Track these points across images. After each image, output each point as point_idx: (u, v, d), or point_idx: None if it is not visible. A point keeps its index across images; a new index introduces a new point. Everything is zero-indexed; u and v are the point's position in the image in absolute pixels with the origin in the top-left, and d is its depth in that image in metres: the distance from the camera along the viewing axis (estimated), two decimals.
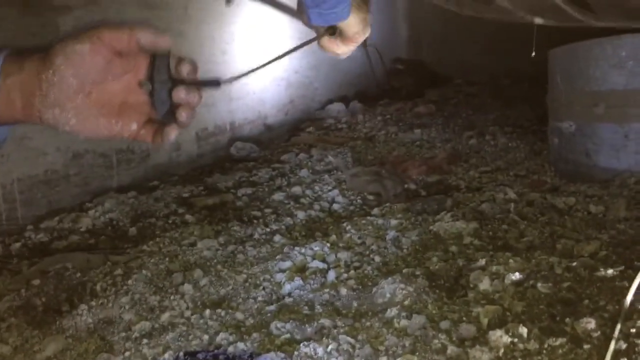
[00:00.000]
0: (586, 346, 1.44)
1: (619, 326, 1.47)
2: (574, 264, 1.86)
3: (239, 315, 1.82)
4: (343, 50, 0.94)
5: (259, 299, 1.92)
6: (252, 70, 0.83)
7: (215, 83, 0.77)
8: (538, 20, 1.55)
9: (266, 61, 0.86)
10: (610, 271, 1.79)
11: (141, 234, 2.54)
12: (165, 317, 1.82)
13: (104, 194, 2.90)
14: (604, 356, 1.38)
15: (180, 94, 0.72)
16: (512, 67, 5.15)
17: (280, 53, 0.90)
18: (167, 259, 2.21)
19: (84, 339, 1.72)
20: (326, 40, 0.92)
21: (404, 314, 1.66)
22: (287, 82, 4.49)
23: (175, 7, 3.23)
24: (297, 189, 2.98)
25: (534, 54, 1.91)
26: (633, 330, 1.46)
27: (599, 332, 1.48)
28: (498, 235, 2.22)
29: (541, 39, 2.22)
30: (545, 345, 1.46)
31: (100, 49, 0.69)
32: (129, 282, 2.01)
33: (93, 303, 1.87)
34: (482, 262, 1.94)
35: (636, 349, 1.39)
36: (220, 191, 3.05)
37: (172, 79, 0.73)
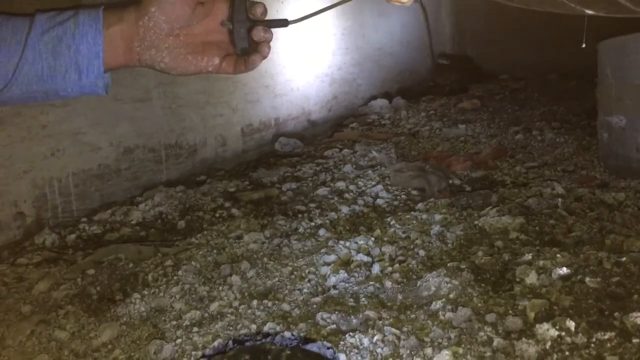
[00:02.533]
0: (635, 340, 1.42)
1: None
2: (624, 259, 1.83)
3: (286, 306, 1.85)
4: None
5: (305, 290, 1.95)
6: (316, 13, 0.91)
7: (284, 23, 0.88)
8: (589, 12, 1.53)
9: (327, 6, 0.95)
10: None
11: (189, 227, 2.61)
12: (214, 306, 1.88)
13: (154, 188, 2.98)
14: None
15: (260, 32, 0.85)
16: (560, 62, 5.05)
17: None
18: (214, 251, 2.27)
19: (137, 326, 1.78)
20: None
21: (449, 306, 1.67)
22: (331, 78, 4.51)
23: None
24: (341, 184, 3.00)
25: (584, 45, 1.88)
26: None
27: None
28: (545, 230, 2.19)
29: (590, 32, 2.18)
30: (594, 339, 1.44)
31: (187, 0, 0.83)
32: (179, 272, 2.07)
33: (145, 292, 1.94)
34: (529, 256, 1.93)
35: None
36: (265, 186, 3.10)
37: (249, 18, 0.86)
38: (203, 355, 1.61)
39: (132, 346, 1.71)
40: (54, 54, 0.81)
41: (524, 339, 1.48)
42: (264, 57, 0.86)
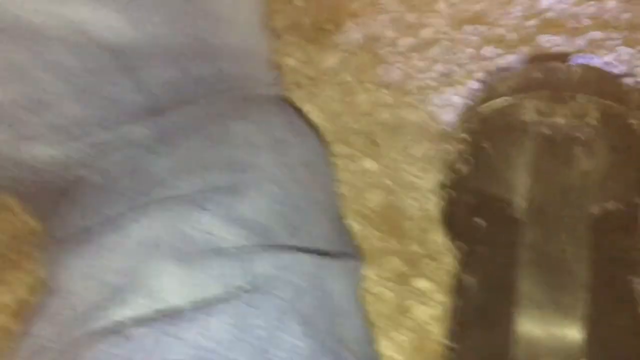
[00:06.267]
0: None
1: None
2: None
3: (499, 30, 1.85)
4: None
5: (517, 14, 1.91)
6: None
7: None
8: None
9: None
10: None
11: None
12: (425, 32, 1.91)
13: None
14: None
15: None
16: None
17: None
18: None
19: (357, 53, 1.88)
20: None
21: None
22: None
23: None
24: None
25: None
26: None
27: None
28: None
29: None
30: None
31: None
32: (382, 0, 2.09)
33: (357, 21, 2.00)
34: None
35: None
36: None
37: None
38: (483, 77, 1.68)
39: (356, 70, 1.83)
40: None
41: None
42: None
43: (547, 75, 0.95)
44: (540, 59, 1.45)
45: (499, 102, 0.92)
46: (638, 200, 0.86)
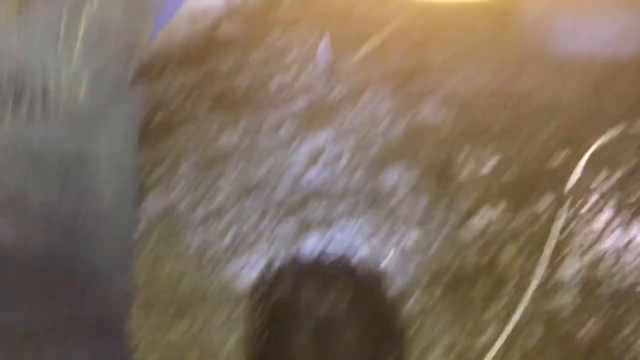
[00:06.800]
0: None
1: None
2: None
3: (277, 196, 2.25)
4: None
5: (289, 183, 2.34)
6: None
7: None
8: None
9: None
10: None
11: None
12: (218, 201, 2.24)
13: None
14: None
15: None
16: None
17: None
18: None
19: (158, 223, 2.14)
20: None
21: None
22: None
23: None
24: None
25: None
26: None
27: None
28: None
29: None
30: None
31: None
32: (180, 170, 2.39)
33: (157, 191, 2.27)
34: None
35: None
36: None
37: None
38: None
39: (160, 240, 2.08)
40: None
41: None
42: None
43: (315, 266, 1.32)
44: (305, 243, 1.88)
45: (282, 290, 1.26)
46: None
